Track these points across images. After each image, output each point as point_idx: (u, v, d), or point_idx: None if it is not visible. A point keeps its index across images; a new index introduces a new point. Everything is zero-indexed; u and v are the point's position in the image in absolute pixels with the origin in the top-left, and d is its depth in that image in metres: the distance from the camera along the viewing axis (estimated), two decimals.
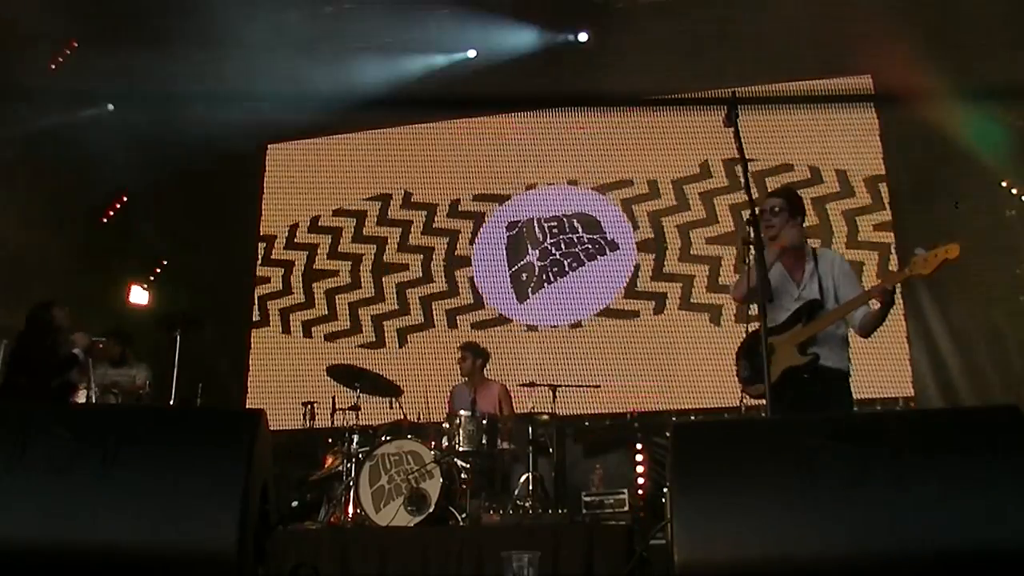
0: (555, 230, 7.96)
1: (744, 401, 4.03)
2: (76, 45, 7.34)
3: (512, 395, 6.62)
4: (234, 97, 8.02)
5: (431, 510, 5.08)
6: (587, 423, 7.33)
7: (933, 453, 1.98)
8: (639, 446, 6.84)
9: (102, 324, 6.98)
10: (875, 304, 3.73)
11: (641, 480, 6.66)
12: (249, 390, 8.11)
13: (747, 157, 3.52)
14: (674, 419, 6.73)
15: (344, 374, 6.10)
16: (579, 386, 6.99)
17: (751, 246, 3.47)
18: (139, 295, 7.35)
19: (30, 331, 5.85)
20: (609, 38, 7.70)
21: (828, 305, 3.85)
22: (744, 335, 4.03)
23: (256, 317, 8.35)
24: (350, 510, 5.35)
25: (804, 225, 4.06)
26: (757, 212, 3.70)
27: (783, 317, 3.89)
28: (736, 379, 4.06)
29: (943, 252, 3.43)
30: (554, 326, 7.72)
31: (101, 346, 6.63)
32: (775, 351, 3.83)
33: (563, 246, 7.89)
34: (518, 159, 8.21)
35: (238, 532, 1.97)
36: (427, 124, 8.50)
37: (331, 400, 6.23)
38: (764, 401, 3.86)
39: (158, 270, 8.43)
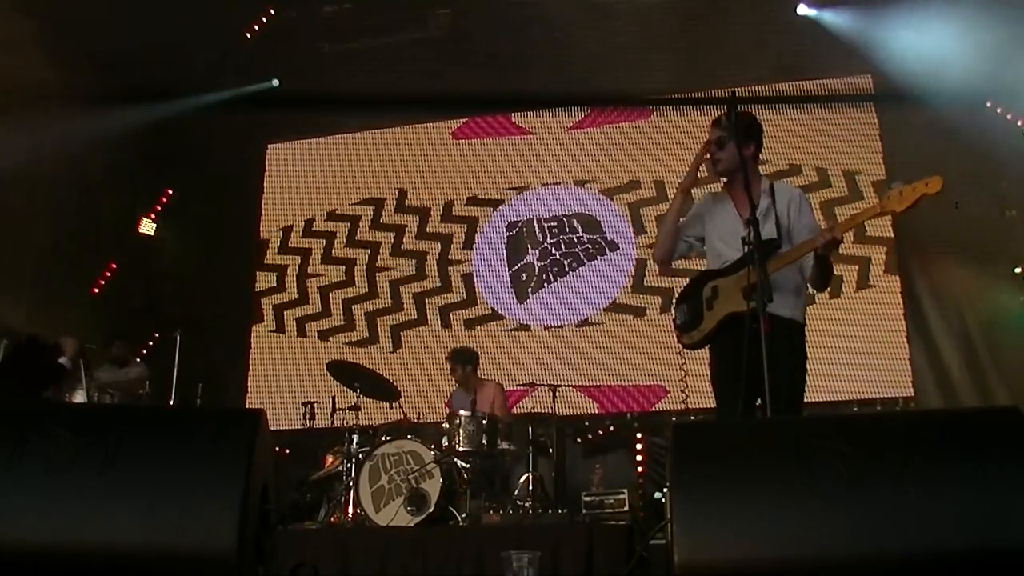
0: (555, 230, 7.96)
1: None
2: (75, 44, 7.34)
3: (510, 394, 6.62)
4: (234, 97, 8.03)
5: (431, 510, 5.07)
6: (587, 423, 7.33)
7: (933, 454, 1.98)
8: (639, 446, 6.85)
9: (102, 323, 7.00)
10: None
11: (641, 480, 6.67)
12: (249, 390, 8.11)
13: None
14: (674, 419, 6.73)
15: (343, 371, 6.10)
16: (579, 386, 6.99)
17: (751, 246, 3.22)
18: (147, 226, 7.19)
19: (27, 361, 5.71)
20: (609, 38, 7.69)
21: (784, 247, 3.39)
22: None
23: (256, 317, 8.35)
24: (350, 510, 5.34)
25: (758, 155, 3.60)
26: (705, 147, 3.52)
27: (732, 257, 3.47)
28: (672, 325, 3.74)
29: (923, 186, 3.03)
30: (554, 326, 7.72)
31: (115, 350, 6.63)
32: (719, 294, 3.49)
33: (563, 246, 7.89)
34: (518, 159, 8.22)
35: (238, 532, 1.97)
36: (427, 124, 8.51)
37: (331, 400, 6.23)
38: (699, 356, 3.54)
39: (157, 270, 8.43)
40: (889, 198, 3.16)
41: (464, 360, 6.39)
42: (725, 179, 3.66)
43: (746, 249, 3.22)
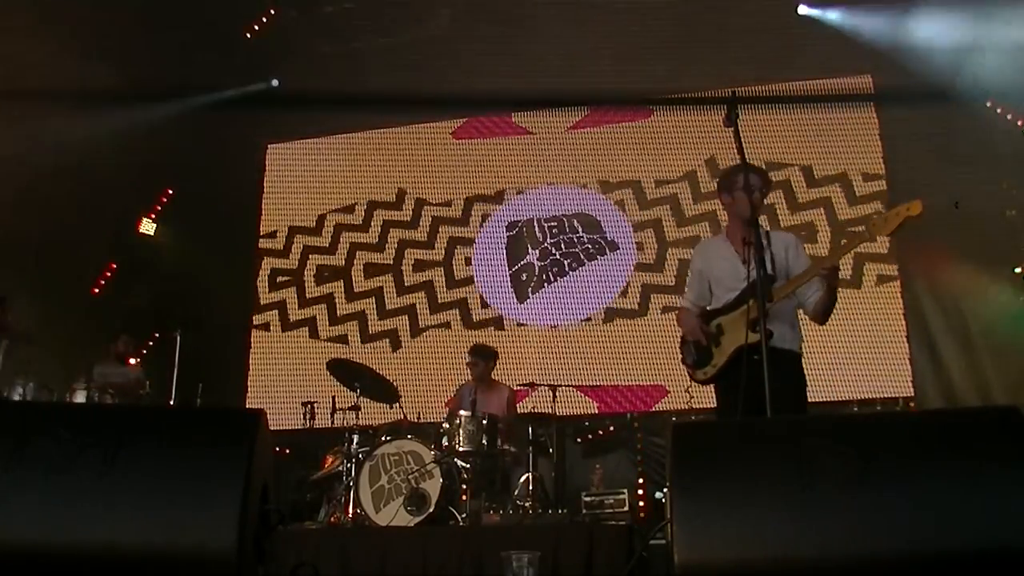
0: (555, 230, 7.96)
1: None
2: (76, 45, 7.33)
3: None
4: (234, 97, 8.03)
5: (431, 510, 5.07)
6: (587, 423, 7.33)
7: (933, 454, 1.98)
8: (639, 446, 6.85)
9: (103, 324, 7.00)
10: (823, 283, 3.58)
11: (641, 480, 6.67)
12: (249, 390, 8.11)
13: (746, 157, 3.51)
14: (674, 419, 6.72)
15: (343, 370, 6.09)
16: (579, 386, 6.98)
17: (751, 246, 3.38)
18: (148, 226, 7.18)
19: None
20: (609, 38, 7.69)
21: (780, 282, 3.65)
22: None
23: (256, 317, 8.35)
24: (350, 510, 5.34)
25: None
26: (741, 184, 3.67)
27: (730, 297, 3.76)
28: (683, 364, 3.97)
29: (904, 209, 3.17)
30: (554, 326, 7.72)
31: (120, 346, 6.63)
32: (724, 331, 3.73)
33: (563, 246, 7.89)
34: (518, 159, 8.22)
35: (238, 532, 1.97)
36: (427, 124, 8.51)
37: (331, 400, 6.22)
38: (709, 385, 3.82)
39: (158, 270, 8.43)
40: (875, 224, 3.32)
41: (487, 357, 6.42)
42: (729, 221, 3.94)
43: (750, 272, 3.42)
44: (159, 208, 8.39)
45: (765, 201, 3.87)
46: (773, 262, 3.62)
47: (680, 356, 3.99)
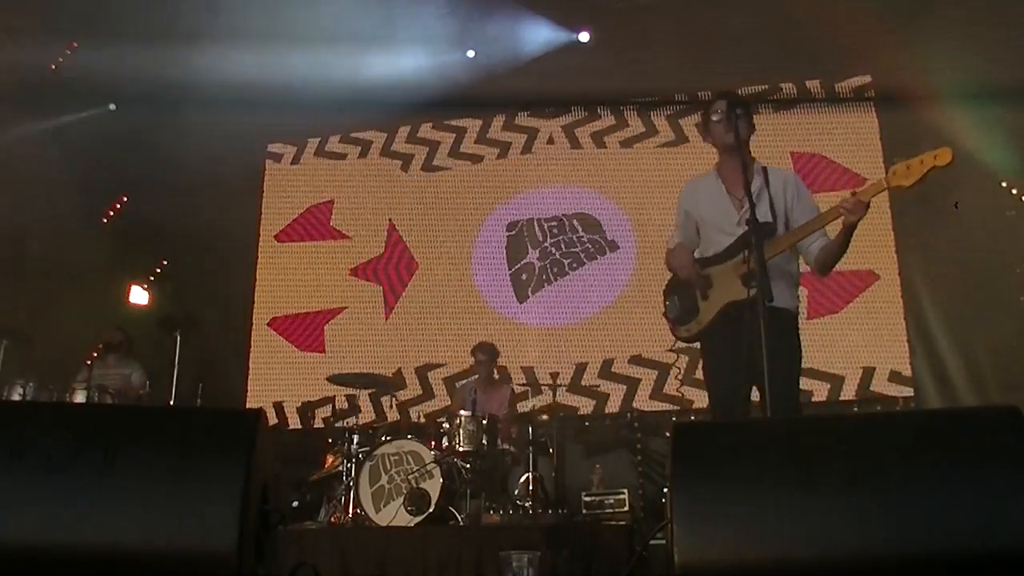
0: (555, 230, 7.95)
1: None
2: (76, 45, 7.34)
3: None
4: (235, 97, 8.02)
5: (431, 510, 5.08)
6: (587, 423, 7.33)
7: (933, 454, 1.98)
8: (639, 446, 6.86)
9: (102, 324, 7.00)
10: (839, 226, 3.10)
11: (641, 480, 6.68)
12: (249, 390, 8.11)
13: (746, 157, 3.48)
14: (674, 419, 6.73)
15: (344, 381, 6.09)
16: (579, 386, 6.97)
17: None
18: (139, 295, 7.35)
19: None
20: (609, 38, 7.69)
21: (779, 231, 3.24)
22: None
23: (256, 317, 8.34)
24: (350, 510, 5.35)
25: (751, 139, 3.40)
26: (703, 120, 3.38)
27: (724, 243, 3.29)
28: (664, 319, 3.57)
29: (931, 158, 2.85)
30: (554, 326, 7.71)
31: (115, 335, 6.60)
32: (713, 284, 3.32)
33: (563, 246, 7.89)
34: (518, 159, 8.21)
35: (238, 532, 1.97)
36: (427, 124, 8.50)
37: (331, 400, 6.22)
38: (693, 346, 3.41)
39: (158, 270, 8.43)
40: (896, 173, 2.95)
41: (492, 355, 6.44)
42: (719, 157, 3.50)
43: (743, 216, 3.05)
44: (159, 207, 8.38)
45: (751, 129, 3.37)
46: (772, 205, 3.20)
47: (663, 309, 3.57)
